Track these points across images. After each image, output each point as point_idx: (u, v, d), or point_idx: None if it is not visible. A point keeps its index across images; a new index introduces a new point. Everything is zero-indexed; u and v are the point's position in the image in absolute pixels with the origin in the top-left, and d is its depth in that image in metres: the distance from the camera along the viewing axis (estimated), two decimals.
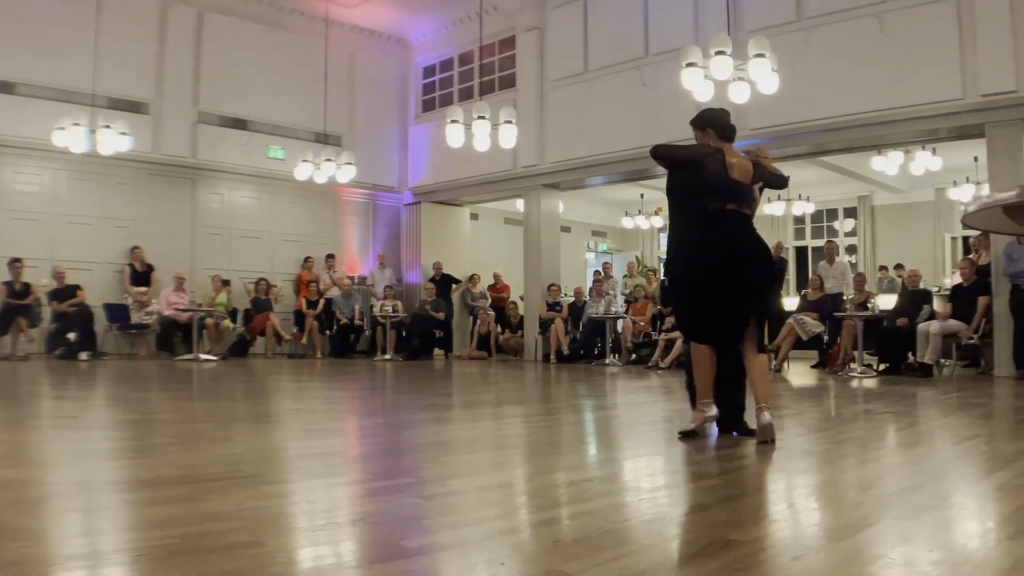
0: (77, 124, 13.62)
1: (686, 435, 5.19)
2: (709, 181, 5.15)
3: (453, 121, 13.58)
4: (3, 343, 13.73)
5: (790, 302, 15.13)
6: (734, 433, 5.39)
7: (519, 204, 18.27)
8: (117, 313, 15.32)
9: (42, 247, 14.90)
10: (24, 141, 14.66)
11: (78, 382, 9.89)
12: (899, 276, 14.10)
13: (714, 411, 5.28)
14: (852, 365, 12.23)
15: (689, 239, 5.24)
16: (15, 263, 13.84)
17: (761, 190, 5.51)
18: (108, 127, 13.76)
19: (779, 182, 5.46)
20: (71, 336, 14.03)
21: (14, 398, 7.93)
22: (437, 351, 17.80)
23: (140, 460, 4.30)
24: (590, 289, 16.94)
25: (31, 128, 14.47)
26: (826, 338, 13.28)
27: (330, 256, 18.09)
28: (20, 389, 8.87)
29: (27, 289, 13.92)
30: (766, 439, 4.93)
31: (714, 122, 5.42)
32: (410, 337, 17.16)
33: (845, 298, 13.18)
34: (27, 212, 14.93)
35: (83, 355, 13.83)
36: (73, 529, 2.88)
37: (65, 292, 14.35)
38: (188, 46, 16.71)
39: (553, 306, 16.43)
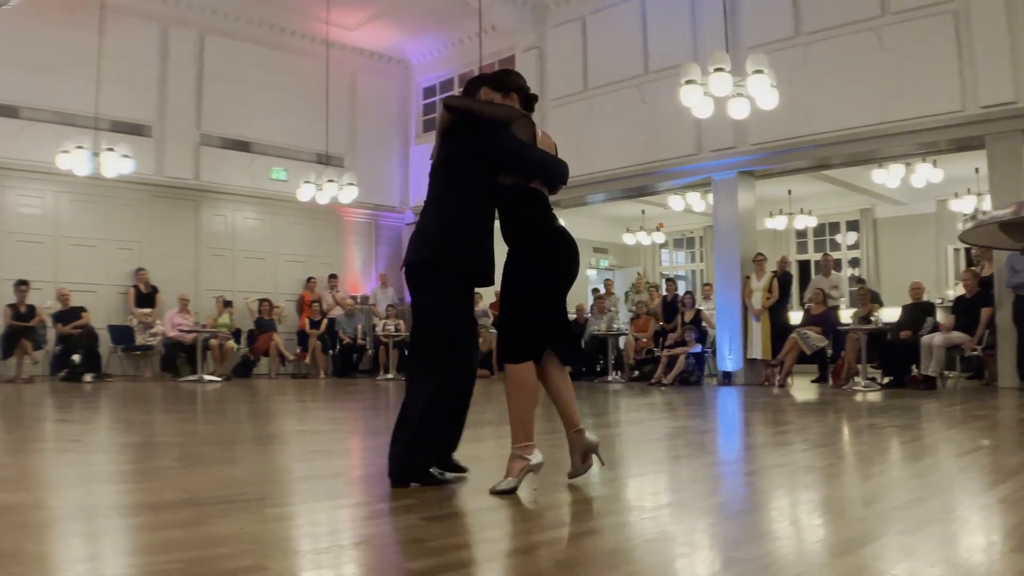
0: (80, 147, 13.69)
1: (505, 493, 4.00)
2: (553, 160, 4.38)
3: None
4: (8, 365, 13.75)
5: (794, 316, 15.13)
6: (442, 473, 4.36)
7: None
8: (121, 335, 15.34)
9: (47, 269, 14.97)
10: (28, 164, 14.75)
11: (82, 404, 9.90)
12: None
13: (541, 457, 4.24)
14: (856, 379, 12.22)
15: (530, 228, 4.29)
16: (20, 285, 13.88)
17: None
18: (111, 150, 13.82)
19: None
20: (75, 358, 14.04)
21: (18, 421, 7.93)
22: None
23: (144, 483, 4.30)
24: (591, 306, 16.92)
25: (35, 151, 14.57)
26: (830, 352, 13.28)
27: (333, 276, 18.12)
28: (24, 412, 8.87)
29: (32, 311, 13.95)
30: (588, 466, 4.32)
31: (520, 89, 4.53)
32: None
33: (842, 310, 13.20)
34: (31, 234, 15.00)
35: (87, 377, 13.85)
36: (77, 554, 2.89)
37: (69, 314, 14.37)
38: (190, 69, 16.80)
39: None
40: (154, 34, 16.40)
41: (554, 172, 4.35)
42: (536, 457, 4.17)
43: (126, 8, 15.72)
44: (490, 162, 4.24)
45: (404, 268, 4.34)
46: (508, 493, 3.97)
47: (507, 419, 4.22)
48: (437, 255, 4.18)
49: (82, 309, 14.55)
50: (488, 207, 4.32)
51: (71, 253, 15.38)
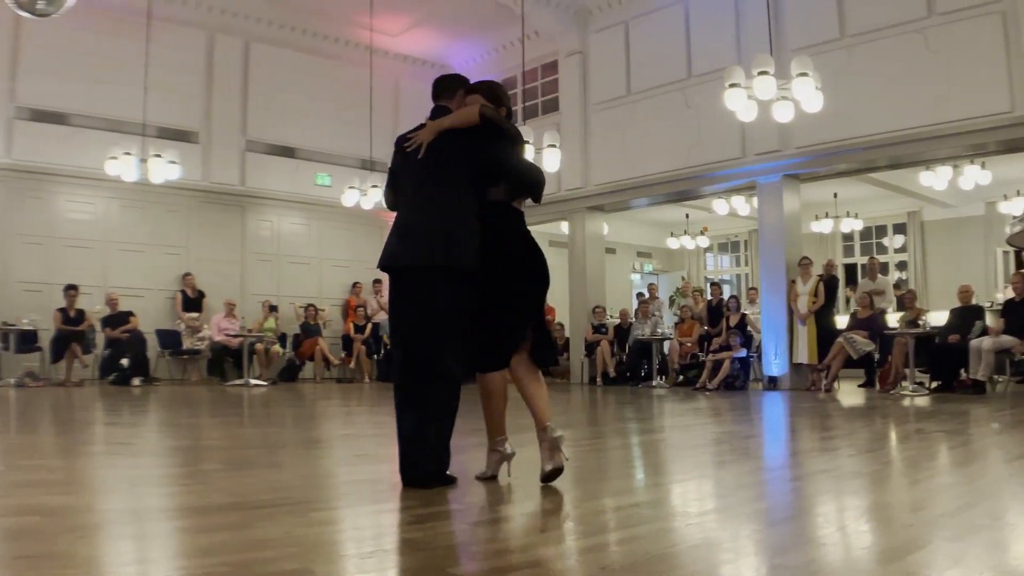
0: (128, 153, 13.91)
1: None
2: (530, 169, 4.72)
3: None
4: (58, 369, 13.97)
5: (841, 320, 15.00)
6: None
7: (563, 227, 18.27)
8: (169, 339, 15.53)
9: (95, 274, 15.20)
10: (77, 170, 15.02)
11: (130, 408, 10.02)
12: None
13: (512, 448, 4.55)
14: (903, 383, 12.08)
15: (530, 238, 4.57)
16: (70, 290, 14.10)
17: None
18: (158, 156, 14.02)
19: None
20: (124, 362, 14.23)
21: (68, 424, 8.05)
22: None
23: (191, 487, 4.35)
24: (636, 310, 16.87)
25: (84, 158, 14.83)
26: (877, 356, 13.14)
27: (377, 281, 18.20)
28: (74, 415, 9.00)
29: (81, 316, 14.15)
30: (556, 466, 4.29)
31: (510, 106, 4.73)
32: None
33: (889, 314, 13.06)
34: (81, 240, 15.26)
35: (135, 381, 14.02)
36: (126, 556, 2.93)
37: (118, 318, 14.57)
38: (235, 76, 16.99)
39: (599, 328, 16.38)
40: (200, 42, 16.61)
41: (542, 191, 4.67)
42: (509, 448, 4.52)
43: (173, 17, 15.93)
44: (498, 173, 4.41)
45: (395, 268, 4.38)
46: (489, 480, 4.44)
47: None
48: (451, 259, 4.25)
49: (130, 313, 14.74)
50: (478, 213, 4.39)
51: (119, 258, 15.61)
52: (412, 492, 4.13)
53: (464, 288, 4.29)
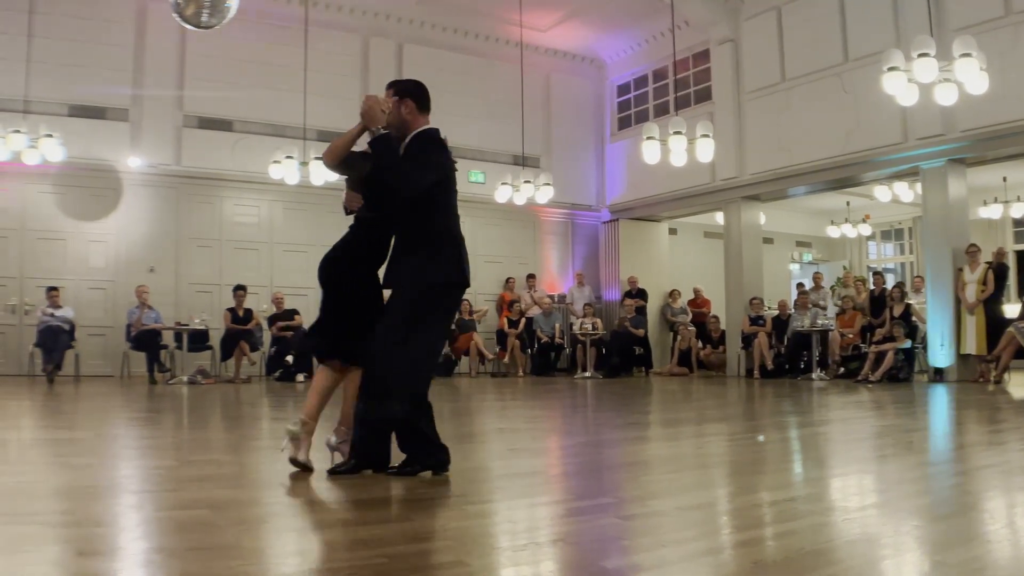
0: (290, 157, 14.36)
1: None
2: None
3: (649, 137, 13.54)
4: (227, 366, 14.54)
5: (1011, 309, 14.37)
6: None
7: (719, 217, 18.04)
8: None
9: (262, 275, 15.81)
10: (242, 175, 15.65)
11: (295, 404, 10.34)
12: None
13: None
14: None
15: None
16: (238, 290, 14.65)
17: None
18: (319, 159, 14.36)
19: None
20: (289, 359, 14.68)
21: (237, 420, 8.39)
22: (637, 368, 17.73)
23: (351, 480, 4.46)
24: (795, 301, 16.52)
25: (248, 162, 15.44)
26: None
27: (530, 276, 18.34)
28: (242, 411, 9.36)
29: (249, 315, 14.69)
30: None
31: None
32: (610, 354, 17.17)
33: None
34: (247, 242, 15.90)
35: (300, 377, 14.45)
36: (289, 548, 3.05)
37: (284, 317, 15.04)
38: (390, 77, 17.03)
39: (756, 320, 16.11)
40: (356, 46, 17.04)
41: None
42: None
43: (329, 22, 16.39)
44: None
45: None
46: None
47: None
48: None
49: (295, 312, 15.20)
50: None
51: (284, 258, 16.16)
52: (564, 486, 4.16)
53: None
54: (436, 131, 4.83)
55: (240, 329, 14.44)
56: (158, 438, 6.58)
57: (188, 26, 6.20)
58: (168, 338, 14.38)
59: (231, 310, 14.58)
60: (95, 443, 6.10)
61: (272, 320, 15.00)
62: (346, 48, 16.85)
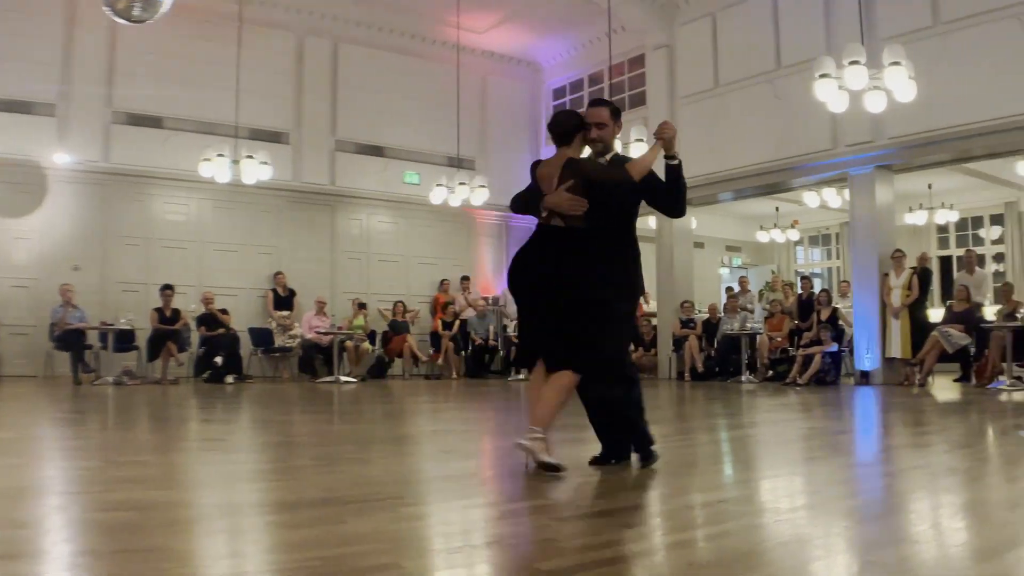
0: (221, 155, 14.15)
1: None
2: (517, 198, 5.03)
3: None
4: (154, 367, 14.31)
5: (935, 314, 14.68)
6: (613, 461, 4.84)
7: (651, 221, 18.17)
8: (261, 337, 15.81)
9: (190, 274, 15.58)
10: (172, 172, 15.41)
11: (224, 405, 10.23)
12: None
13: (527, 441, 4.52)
14: (1000, 378, 11.78)
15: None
16: (166, 290, 14.44)
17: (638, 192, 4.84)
18: (250, 157, 14.23)
19: (617, 180, 4.69)
20: (217, 360, 14.50)
21: (164, 421, 8.26)
22: None
23: (283, 482, 4.43)
24: (724, 305, 16.70)
25: (178, 160, 15.18)
26: (973, 350, 12.84)
27: (465, 278, 18.33)
28: (169, 412, 9.22)
29: (177, 315, 14.47)
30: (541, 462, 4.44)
31: (549, 128, 4.91)
32: None
33: (986, 307, 12.75)
34: (176, 240, 15.67)
35: (229, 378, 14.29)
36: (220, 550, 3.00)
37: (212, 317, 14.84)
38: (324, 77, 17.24)
39: (687, 323, 16.26)
40: (290, 44, 16.89)
41: (524, 208, 4.94)
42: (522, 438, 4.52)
43: (262, 19, 16.22)
44: None
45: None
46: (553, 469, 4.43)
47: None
48: None
49: (223, 311, 15.02)
50: None
51: (213, 258, 15.96)
52: (499, 488, 4.15)
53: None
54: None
55: (167, 329, 14.23)
56: (83, 439, 6.46)
57: (120, 20, 6.11)
58: (93, 338, 14.12)
59: (158, 310, 14.36)
60: (18, 444, 5.97)
61: (201, 320, 14.80)
62: (280, 46, 16.70)
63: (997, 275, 18.47)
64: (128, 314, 14.05)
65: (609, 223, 4.70)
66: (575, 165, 4.66)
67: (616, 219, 4.77)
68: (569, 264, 4.57)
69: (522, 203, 4.93)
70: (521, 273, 4.74)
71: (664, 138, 4.72)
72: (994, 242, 19.88)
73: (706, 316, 16.57)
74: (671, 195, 4.91)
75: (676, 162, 4.81)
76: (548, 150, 18.24)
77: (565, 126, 4.79)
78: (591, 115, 4.81)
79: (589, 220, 4.61)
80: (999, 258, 19.71)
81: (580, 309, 4.54)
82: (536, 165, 4.88)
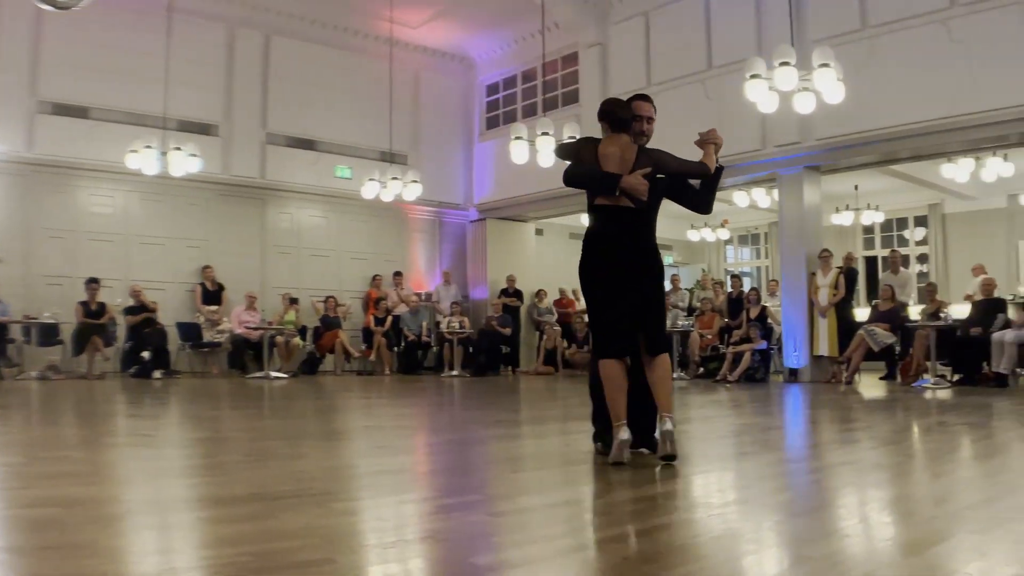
0: (149, 147, 13.87)
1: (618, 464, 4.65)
2: (577, 174, 5.06)
3: (517, 138, 13.64)
4: (79, 362, 14.03)
5: (861, 313, 14.94)
6: (644, 451, 5.04)
7: (584, 219, 18.24)
8: (189, 332, 15.58)
9: (117, 268, 15.26)
10: (98, 164, 15.03)
11: (152, 400, 10.07)
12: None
13: (628, 434, 4.75)
14: (925, 376, 12.03)
15: (588, 237, 5.07)
16: (91, 283, 14.16)
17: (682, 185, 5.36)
18: (179, 149, 13.99)
19: (693, 171, 5.17)
20: (145, 355, 14.28)
21: (90, 416, 8.10)
22: (503, 367, 17.83)
23: (213, 478, 4.37)
24: None
25: (105, 151, 14.81)
26: (898, 349, 13.09)
27: (397, 273, 18.24)
28: (96, 407, 9.05)
29: (103, 309, 14.21)
30: (666, 452, 4.68)
31: (606, 113, 5.12)
32: (477, 353, 17.21)
33: (910, 306, 12.99)
34: (102, 233, 15.31)
35: (157, 373, 14.08)
36: (149, 546, 2.95)
37: (141, 310, 14.61)
38: (256, 69, 17.01)
39: None
40: (220, 35, 16.63)
41: (590, 183, 5.00)
42: (622, 434, 4.67)
43: (193, 10, 15.93)
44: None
45: None
46: (615, 464, 4.61)
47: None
48: None
49: (152, 305, 14.80)
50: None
51: (140, 251, 15.65)
52: (432, 483, 4.14)
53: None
54: None
55: (93, 323, 13.97)
56: (6, 434, 6.32)
57: (45, 7, 5.97)
58: (16, 332, 13.79)
59: (84, 303, 14.09)
60: None
61: (129, 311, 14.55)
62: (211, 38, 16.42)
63: (921, 275, 18.85)
64: (53, 308, 13.74)
65: (654, 208, 5.06)
66: (656, 154, 5.01)
67: (657, 205, 5.12)
68: (645, 240, 4.99)
69: (586, 178, 5.02)
70: (613, 251, 4.92)
71: (719, 143, 5.24)
72: (918, 243, 20.28)
73: None
74: (708, 194, 5.43)
75: (719, 166, 5.29)
76: (482, 146, 18.30)
77: (624, 115, 5.05)
78: (642, 108, 5.17)
79: (643, 204, 4.93)
80: (923, 259, 20.11)
81: (660, 289, 5.13)
82: (587, 142, 5.15)
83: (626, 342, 4.84)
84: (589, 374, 5.18)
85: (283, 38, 17.29)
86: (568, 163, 5.15)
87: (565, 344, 17.69)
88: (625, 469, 4.51)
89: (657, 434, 4.75)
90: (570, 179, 5.05)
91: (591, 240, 5.00)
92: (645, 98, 5.29)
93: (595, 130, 14.89)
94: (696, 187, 5.36)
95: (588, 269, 4.98)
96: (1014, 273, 18.03)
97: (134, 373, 14.20)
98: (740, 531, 3.25)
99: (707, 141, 5.19)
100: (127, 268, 15.41)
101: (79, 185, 15.18)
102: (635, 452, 4.93)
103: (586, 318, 17.12)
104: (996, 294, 12.98)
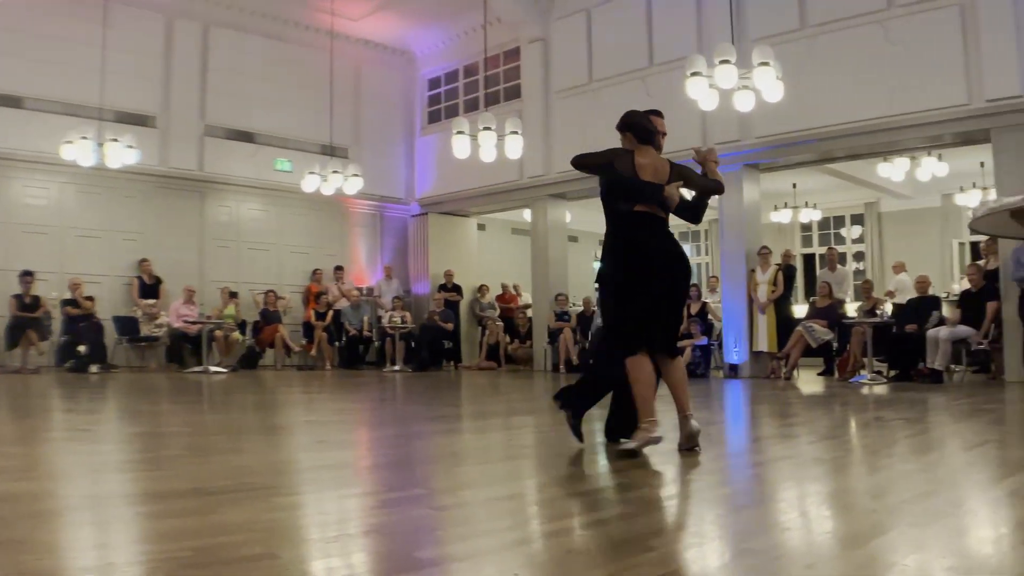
0: (85, 138, 13.66)
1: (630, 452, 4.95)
2: (619, 182, 5.21)
3: (459, 132, 13.62)
4: (13, 356, 13.76)
5: (799, 309, 15.12)
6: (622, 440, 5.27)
7: (526, 214, 18.29)
8: (126, 326, 15.35)
9: (52, 260, 14.96)
10: (32, 155, 14.72)
11: (89, 395, 9.91)
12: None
13: (659, 432, 5.02)
14: (862, 372, 12.21)
15: (612, 243, 5.21)
16: (25, 276, 13.89)
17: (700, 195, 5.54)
18: (115, 140, 13.79)
19: (713, 188, 5.40)
20: (81, 349, 14.06)
21: (25, 411, 7.95)
22: (446, 362, 17.80)
23: (152, 472, 4.31)
24: (597, 299, 16.88)
25: (39, 142, 14.53)
26: (835, 345, 13.27)
27: (338, 268, 18.13)
28: (31, 402, 8.89)
29: (37, 302, 13.95)
30: (693, 446, 5.03)
31: (632, 125, 5.46)
32: (419, 348, 17.16)
33: (847, 303, 13.16)
34: (36, 225, 15.00)
35: (93, 368, 13.86)
36: (86, 542, 2.89)
37: (77, 304, 14.38)
38: (194, 60, 16.78)
39: (561, 316, 16.41)
40: (159, 25, 16.37)
41: (633, 193, 5.17)
42: (655, 431, 4.95)
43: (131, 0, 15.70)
44: (607, 193, 5.33)
45: None
46: (629, 455, 4.88)
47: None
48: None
49: (89, 298, 14.56)
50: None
51: (76, 244, 15.36)
52: (375, 477, 4.11)
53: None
54: None
55: (27, 317, 13.72)
56: None
57: None
58: None
59: (17, 296, 13.82)
60: None
61: (66, 304, 14.31)
62: (149, 27, 16.16)
63: (857, 273, 19.14)
64: None
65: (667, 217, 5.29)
66: (684, 169, 5.37)
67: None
68: (676, 245, 5.22)
69: (625, 188, 5.20)
70: (654, 256, 5.08)
71: (719, 162, 5.57)
72: (855, 241, 20.58)
73: (580, 309, 16.74)
74: (702, 206, 5.56)
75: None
76: (423, 140, 18.25)
77: (651, 127, 5.45)
78: (658, 124, 5.61)
79: (666, 213, 5.24)
80: (859, 256, 20.41)
81: (687, 293, 5.47)
82: (622, 152, 5.37)
83: (651, 340, 5.05)
84: (598, 375, 5.74)
85: (222, 29, 17.07)
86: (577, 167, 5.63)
87: (507, 339, 17.71)
88: (570, 464, 4.52)
89: (683, 435, 5.08)
90: (610, 187, 5.30)
91: (630, 245, 5.10)
92: (659, 114, 5.75)
93: (536, 126, 15.02)
94: (690, 200, 5.51)
95: (628, 271, 5.07)
96: (948, 271, 18.37)
97: (70, 368, 13.99)
98: (683, 524, 3.28)
99: (709, 159, 5.47)
100: (62, 261, 15.12)
101: (13, 176, 14.86)
102: (613, 442, 5.28)
103: (528, 313, 17.28)
104: (930, 292, 13.21)
